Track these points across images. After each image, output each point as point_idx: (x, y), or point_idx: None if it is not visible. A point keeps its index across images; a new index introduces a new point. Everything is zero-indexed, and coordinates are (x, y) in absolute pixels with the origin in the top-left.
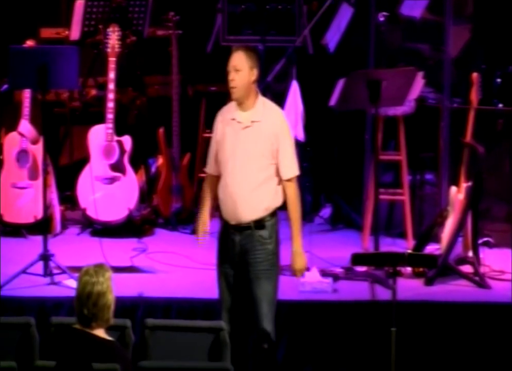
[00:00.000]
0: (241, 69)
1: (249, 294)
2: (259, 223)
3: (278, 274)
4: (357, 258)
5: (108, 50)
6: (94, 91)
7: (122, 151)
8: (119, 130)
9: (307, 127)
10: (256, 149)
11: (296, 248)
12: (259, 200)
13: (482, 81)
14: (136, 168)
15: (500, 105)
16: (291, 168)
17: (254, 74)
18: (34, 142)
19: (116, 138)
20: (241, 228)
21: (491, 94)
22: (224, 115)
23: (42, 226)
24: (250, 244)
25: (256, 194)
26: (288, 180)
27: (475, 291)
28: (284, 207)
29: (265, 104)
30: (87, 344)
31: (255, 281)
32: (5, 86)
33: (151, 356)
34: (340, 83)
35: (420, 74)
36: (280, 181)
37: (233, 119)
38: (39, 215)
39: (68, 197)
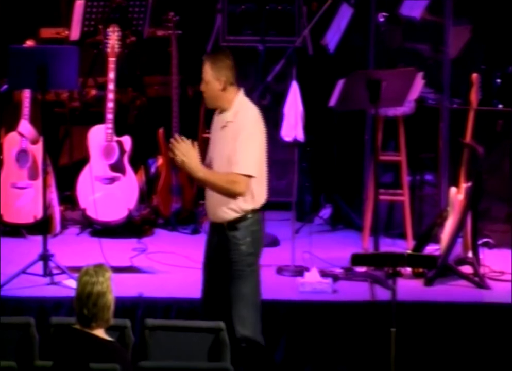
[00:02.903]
0: (208, 80)
1: (226, 294)
2: (231, 224)
3: (256, 275)
4: (357, 259)
5: (108, 50)
6: (93, 92)
7: (122, 151)
8: (119, 130)
9: (307, 128)
10: (227, 149)
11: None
12: (227, 201)
13: (482, 81)
14: (136, 168)
15: (500, 105)
16: (237, 164)
17: (222, 81)
18: (34, 142)
19: (115, 138)
20: (217, 227)
21: (491, 94)
22: (216, 114)
23: (42, 227)
24: (225, 243)
25: None
26: (237, 174)
27: (475, 292)
28: (285, 207)
29: (241, 104)
30: (87, 344)
31: (230, 281)
32: (5, 86)
33: (151, 357)
34: (340, 84)
35: (420, 75)
36: (255, 183)
37: (217, 118)
38: (39, 215)
39: (68, 197)
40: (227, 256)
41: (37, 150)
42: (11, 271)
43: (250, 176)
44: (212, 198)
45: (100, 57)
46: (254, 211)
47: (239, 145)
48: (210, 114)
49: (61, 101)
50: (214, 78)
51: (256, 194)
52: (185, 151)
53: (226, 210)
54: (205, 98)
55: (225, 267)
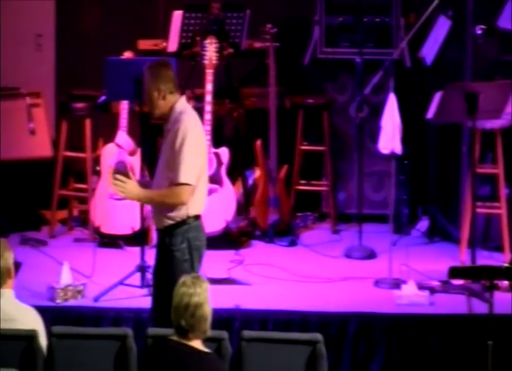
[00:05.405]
0: (148, 89)
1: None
2: (168, 230)
3: None
4: (454, 272)
5: (206, 62)
6: (191, 103)
7: (219, 163)
8: (216, 141)
9: (404, 140)
10: (164, 157)
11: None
12: (162, 208)
13: None
14: (233, 180)
15: None
16: (178, 175)
17: (162, 90)
18: (132, 153)
19: (213, 150)
20: (159, 233)
21: None
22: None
23: (139, 238)
24: (162, 249)
25: None
26: (176, 185)
27: None
28: (382, 219)
29: (180, 113)
30: (185, 355)
31: (166, 288)
32: (103, 98)
33: (248, 368)
34: (437, 96)
35: None
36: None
37: (164, 126)
38: (137, 226)
39: None
40: (163, 261)
41: (135, 161)
42: (109, 282)
43: (191, 185)
44: (153, 206)
45: (197, 69)
46: (194, 218)
47: (179, 155)
48: (307, 125)
49: None
50: (152, 88)
51: (194, 202)
52: (122, 187)
53: (163, 217)
54: (148, 108)
55: (162, 274)
